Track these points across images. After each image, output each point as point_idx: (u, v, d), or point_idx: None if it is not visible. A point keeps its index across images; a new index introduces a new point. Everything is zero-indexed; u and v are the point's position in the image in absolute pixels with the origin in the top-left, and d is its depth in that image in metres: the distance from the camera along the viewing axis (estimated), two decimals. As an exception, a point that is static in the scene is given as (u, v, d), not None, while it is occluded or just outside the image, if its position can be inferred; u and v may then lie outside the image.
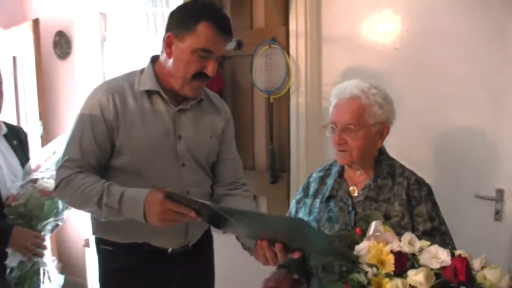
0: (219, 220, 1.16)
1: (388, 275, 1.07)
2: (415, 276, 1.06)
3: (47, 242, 1.76)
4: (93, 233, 1.50)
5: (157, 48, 1.45)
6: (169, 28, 1.36)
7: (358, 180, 1.41)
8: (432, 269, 1.07)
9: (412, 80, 1.91)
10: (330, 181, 1.44)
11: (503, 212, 1.77)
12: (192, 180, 1.44)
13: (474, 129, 1.80)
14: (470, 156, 1.82)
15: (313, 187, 1.48)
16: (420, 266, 1.10)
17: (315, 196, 1.46)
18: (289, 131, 2.18)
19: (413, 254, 1.11)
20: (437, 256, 1.09)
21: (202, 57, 1.31)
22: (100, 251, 1.50)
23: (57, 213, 1.73)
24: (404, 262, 1.09)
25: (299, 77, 2.12)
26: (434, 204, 1.37)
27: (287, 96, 2.15)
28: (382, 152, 1.43)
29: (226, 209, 1.13)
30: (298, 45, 2.10)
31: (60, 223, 1.80)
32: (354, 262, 1.11)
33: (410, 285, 1.06)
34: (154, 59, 1.45)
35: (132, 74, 1.45)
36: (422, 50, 1.88)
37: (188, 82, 1.34)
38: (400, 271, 1.07)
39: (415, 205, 1.33)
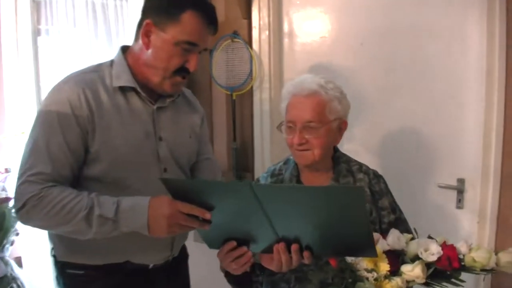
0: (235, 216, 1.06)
1: (385, 276, 1.09)
2: (412, 271, 1.10)
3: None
4: (58, 258, 1.32)
5: (100, 40, 1.29)
6: (146, 13, 1.23)
7: (318, 181, 1.36)
8: (424, 261, 1.10)
9: (377, 75, 1.99)
10: None
11: (465, 200, 1.90)
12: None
13: (436, 120, 1.90)
14: (432, 147, 1.91)
15: None
16: (410, 260, 1.14)
17: None
18: (253, 129, 2.21)
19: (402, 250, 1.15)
20: (428, 248, 1.14)
21: (186, 50, 1.20)
22: (66, 277, 1.31)
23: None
24: (397, 260, 1.12)
25: (263, 73, 2.13)
26: (392, 195, 1.41)
27: (250, 92, 2.16)
28: (336, 149, 1.41)
29: (265, 186, 1.04)
30: (261, 39, 2.10)
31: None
32: (353, 271, 1.10)
33: (406, 280, 1.09)
34: (125, 49, 1.31)
35: (99, 67, 1.29)
36: (386, 46, 1.96)
37: (169, 77, 1.23)
38: (394, 270, 1.10)
39: (378, 199, 1.35)
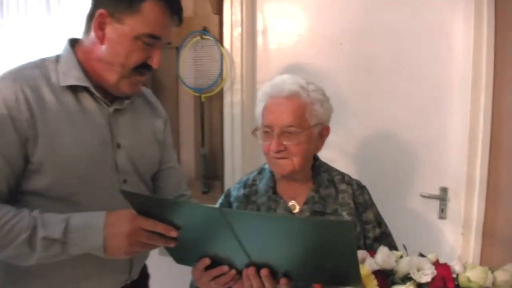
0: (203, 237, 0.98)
1: (375, 299, 1.03)
2: (404, 295, 1.02)
3: None
4: None
5: (51, 32, 1.13)
6: (99, 2, 1.09)
7: (296, 193, 1.29)
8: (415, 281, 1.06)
9: (356, 77, 1.92)
10: (261, 199, 1.29)
11: (447, 210, 1.86)
12: None
13: (418, 125, 1.85)
14: (414, 154, 1.87)
15: (237, 208, 1.31)
16: (400, 280, 1.09)
17: None
18: (223, 134, 2.08)
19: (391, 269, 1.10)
20: (422, 267, 1.08)
21: (147, 44, 1.08)
22: None
23: None
24: (386, 281, 1.07)
25: (234, 73, 2.02)
26: (376, 207, 1.36)
27: (220, 94, 2.04)
28: (316, 157, 1.35)
29: (238, 213, 0.96)
30: (233, 37, 1.99)
31: None
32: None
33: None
34: (73, 43, 1.17)
35: (42, 62, 1.13)
36: (367, 46, 1.89)
37: (128, 76, 1.10)
38: (384, 291, 1.05)
39: (362, 212, 1.29)
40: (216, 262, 1.04)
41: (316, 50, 1.97)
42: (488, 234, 1.77)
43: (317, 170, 1.31)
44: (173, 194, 1.35)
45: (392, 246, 1.27)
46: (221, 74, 1.99)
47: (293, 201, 1.28)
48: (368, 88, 1.91)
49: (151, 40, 1.08)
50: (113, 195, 1.07)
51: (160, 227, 0.97)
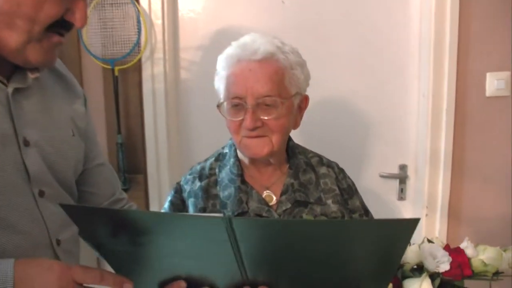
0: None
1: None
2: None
3: None
4: None
5: None
6: None
7: (269, 181, 1.16)
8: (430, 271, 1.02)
9: (303, 43, 1.66)
10: (227, 192, 1.13)
11: (407, 190, 1.80)
12: (60, 218, 0.92)
13: (376, 98, 1.76)
14: (372, 129, 1.80)
15: (193, 205, 1.15)
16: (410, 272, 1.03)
17: None
18: (143, 117, 1.83)
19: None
20: (435, 255, 1.03)
21: None
22: None
23: None
24: (396, 276, 1.01)
25: (155, 39, 1.75)
26: (359, 192, 1.27)
27: (138, 66, 1.78)
28: (289, 137, 1.23)
29: (254, 221, 0.77)
30: (152, -7, 1.70)
31: None
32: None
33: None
34: None
35: None
36: (315, 7, 1.74)
37: (38, 37, 0.81)
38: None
39: (347, 199, 1.19)
40: (191, 285, 0.81)
41: (253, 11, 1.77)
42: (453, 214, 1.73)
43: (293, 152, 1.19)
44: (106, 201, 1.10)
45: None
46: (138, 41, 1.71)
47: (268, 191, 1.14)
48: (318, 56, 1.73)
49: None
50: (26, 213, 0.84)
51: (109, 280, 0.71)
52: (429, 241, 1.06)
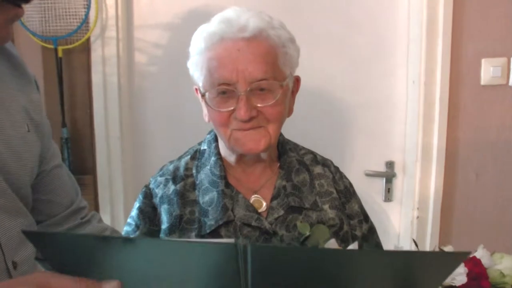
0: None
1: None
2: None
3: None
4: None
5: None
6: None
7: (257, 183, 1.07)
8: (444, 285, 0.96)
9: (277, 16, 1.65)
10: (208, 196, 1.04)
11: (394, 190, 1.73)
12: (17, 235, 0.83)
13: (360, 86, 1.69)
14: (352, 125, 1.73)
15: (167, 212, 1.05)
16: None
17: (180, 228, 1.03)
18: (92, 107, 1.71)
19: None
20: None
21: None
22: None
23: None
24: None
25: (106, 14, 1.64)
26: (357, 194, 1.21)
27: (86, 46, 1.67)
28: None
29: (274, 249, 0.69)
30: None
31: None
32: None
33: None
34: None
35: None
36: None
37: None
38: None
39: (344, 203, 1.11)
40: None
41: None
42: (446, 215, 1.66)
43: (284, 148, 1.11)
44: (64, 211, 1.00)
45: (379, 245, 1.16)
46: (87, 16, 1.60)
47: (256, 195, 1.04)
48: (296, 36, 1.64)
49: None
50: None
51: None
52: (440, 249, 0.99)
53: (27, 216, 0.88)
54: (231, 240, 0.70)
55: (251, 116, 0.95)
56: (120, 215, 1.69)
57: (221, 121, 0.98)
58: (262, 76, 0.94)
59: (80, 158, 1.73)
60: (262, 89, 0.95)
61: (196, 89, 1.01)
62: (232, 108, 0.95)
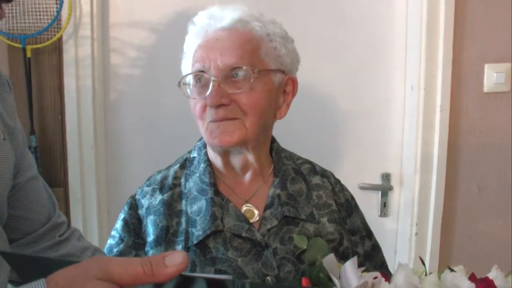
0: None
1: None
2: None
3: None
4: None
5: None
6: None
7: (249, 191, 1.07)
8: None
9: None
10: (196, 205, 1.05)
11: (391, 205, 1.73)
12: None
13: (355, 94, 1.70)
14: (346, 134, 1.74)
15: (154, 223, 1.06)
16: None
17: (166, 241, 1.04)
18: (64, 113, 1.72)
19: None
20: (457, 285, 0.91)
21: None
22: None
23: None
24: None
25: (80, 12, 1.66)
26: (360, 208, 1.21)
27: (57, 46, 1.68)
28: (272, 138, 1.18)
29: None
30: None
31: None
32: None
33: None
34: None
35: None
36: None
37: None
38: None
39: (345, 217, 1.11)
40: None
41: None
42: (446, 231, 1.65)
43: (278, 155, 1.11)
44: (41, 228, 0.99)
45: (384, 264, 1.16)
46: (59, 13, 1.62)
47: (248, 204, 1.04)
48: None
49: None
50: None
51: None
52: (451, 269, 0.93)
53: (7, 244, 0.85)
54: (229, 277, 0.68)
55: (221, 103, 0.97)
56: (94, 232, 1.67)
57: (198, 112, 1.01)
58: (234, 62, 0.98)
59: (50, 169, 1.73)
60: (235, 76, 0.98)
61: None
62: (203, 96, 0.99)
